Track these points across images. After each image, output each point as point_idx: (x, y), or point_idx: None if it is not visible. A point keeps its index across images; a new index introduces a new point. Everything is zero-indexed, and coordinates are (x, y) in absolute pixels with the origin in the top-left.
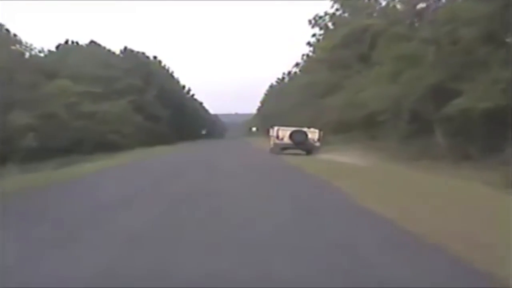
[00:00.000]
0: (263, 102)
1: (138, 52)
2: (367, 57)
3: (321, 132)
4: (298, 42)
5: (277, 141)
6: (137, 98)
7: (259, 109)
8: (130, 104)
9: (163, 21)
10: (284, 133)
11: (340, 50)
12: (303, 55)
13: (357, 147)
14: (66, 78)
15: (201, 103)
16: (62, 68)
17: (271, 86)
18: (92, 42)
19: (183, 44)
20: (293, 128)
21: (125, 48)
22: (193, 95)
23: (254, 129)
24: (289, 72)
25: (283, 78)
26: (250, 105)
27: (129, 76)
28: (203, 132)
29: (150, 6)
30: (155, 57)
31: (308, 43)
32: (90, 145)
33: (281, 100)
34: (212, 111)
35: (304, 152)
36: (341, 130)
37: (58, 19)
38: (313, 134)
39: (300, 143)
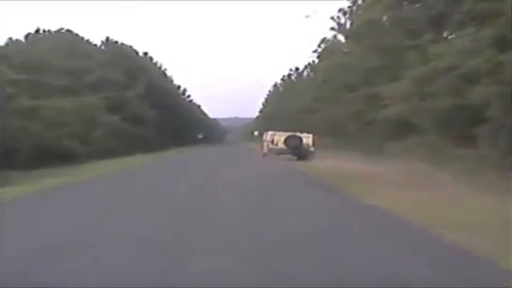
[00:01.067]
0: (265, 104)
1: (123, 45)
2: (444, 18)
3: (315, 137)
4: (298, 44)
5: (271, 146)
6: (114, 94)
7: (261, 112)
8: (103, 101)
9: (163, 24)
10: (278, 138)
11: (401, 9)
12: (331, 28)
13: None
14: (15, 67)
15: (198, 106)
16: (16, 57)
17: (275, 86)
18: (67, 31)
19: (182, 47)
20: (288, 133)
21: (107, 38)
22: (189, 96)
23: (256, 133)
24: (297, 68)
25: (290, 75)
26: (250, 109)
27: (108, 69)
28: (200, 136)
29: (150, 6)
30: (145, 53)
31: (340, 11)
32: (32, 155)
33: (291, 99)
34: (211, 115)
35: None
36: (398, 132)
37: (67, 18)
38: (307, 139)
39: (294, 148)
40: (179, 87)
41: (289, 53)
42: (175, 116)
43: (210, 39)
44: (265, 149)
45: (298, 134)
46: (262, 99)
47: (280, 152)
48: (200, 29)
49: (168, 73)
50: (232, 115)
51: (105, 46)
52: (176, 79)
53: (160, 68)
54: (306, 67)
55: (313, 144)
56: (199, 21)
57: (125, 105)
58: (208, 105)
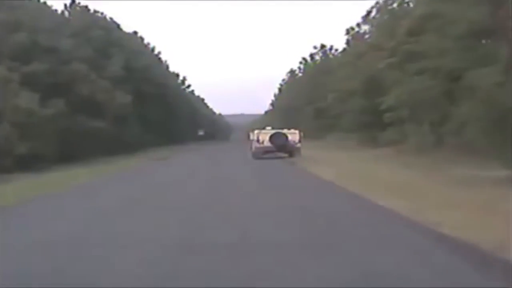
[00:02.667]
0: (278, 96)
1: (96, 13)
2: None
3: (301, 133)
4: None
5: (257, 145)
6: (52, 68)
7: (272, 105)
8: (23, 75)
9: (172, 20)
10: (264, 136)
11: None
12: None
13: None
14: None
15: (202, 99)
16: None
17: (292, 72)
18: None
19: (189, 43)
20: (273, 131)
21: (73, 2)
22: (189, 86)
23: (268, 128)
24: (323, 46)
25: (313, 56)
26: (256, 106)
27: (60, 37)
28: (200, 133)
29: (160, 4)
30: (135, 32)
31: None
32: None
33: (321, 83)
34: (216, 111)
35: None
36: None
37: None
38: (293, 135)
39: (280, 146)
40: (177, 75)
41: (293, 50)
42: (167, 108)
43: (217, 35)
44: (253, 149)
45: (284, 130)
46: (269, 97)
47: (267, 150)
48: (207, 25)
49: (172, 63)
50: (239, 112)
51: (69, 12)
52: (183, 75)
53: (153, 50)
54: (349, 31)
55: (300, 141)
56: (209, 18)
57: (75, 86)
58: (213, 101)
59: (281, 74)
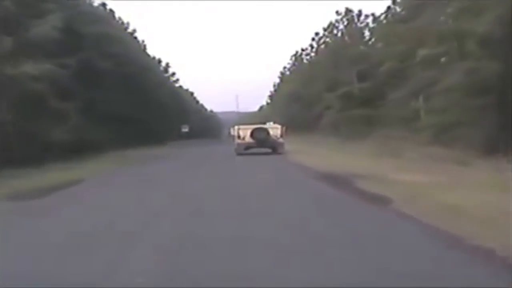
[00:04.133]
0: (279, 86)
1: None
2: None
3: (284, 128)
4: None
5: (239, 141)
6: None
7: (271, 98)
8: None
9: (164, 17)
10: (245, 132)
11: None
12: None
13: None
14: None
15: (192, 93)
16: None
17: (296, 56)
18: None
19: (183, 39)
20: (254, 126)
21: None
22: (173, 73)
23: (270, 123)
24: (348, 11)
25: (332, 28)
26: (249, 103)
27: None
28: (184, 129)
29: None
30: (104, 4)
31: None
32: None
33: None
34: (208, 107)
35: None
36: None
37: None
38: (274, 130)
39: (262, 141)
40: (160, 60)
41: (280, 53)
42: (139, 95)
43: (208, 32)
44: (235, 145)
45: (266, 125)
46: (264, 94)
47: (248, 146)
48: (198, 21)
49: (156, 51)
50: (230, 109)
51: None
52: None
53: (126, 29)
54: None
55: (282, 135)
56: (201, 19)
57: None
58: (204, 98)
59: (276, 71)
